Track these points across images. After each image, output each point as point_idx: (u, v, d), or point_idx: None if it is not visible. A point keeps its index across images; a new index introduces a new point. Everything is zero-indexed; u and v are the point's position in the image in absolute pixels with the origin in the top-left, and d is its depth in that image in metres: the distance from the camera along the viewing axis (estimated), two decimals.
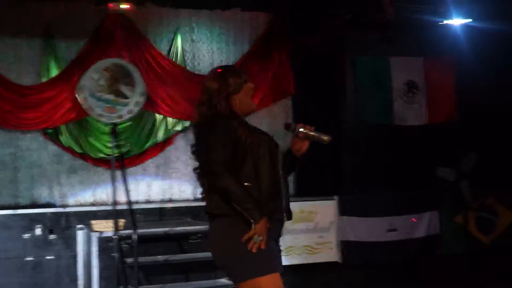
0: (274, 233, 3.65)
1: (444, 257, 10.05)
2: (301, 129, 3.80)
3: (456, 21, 10.19)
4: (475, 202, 10.32)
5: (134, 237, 6.98)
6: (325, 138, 3.83)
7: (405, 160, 10.41)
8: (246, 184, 3.55)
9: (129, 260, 7.04)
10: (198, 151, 3.76)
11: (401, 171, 10.25)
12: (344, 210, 9.31)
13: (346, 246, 9.24)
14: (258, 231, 3.47)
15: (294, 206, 9.04)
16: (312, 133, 3.81)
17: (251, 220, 3.46)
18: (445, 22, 10.25)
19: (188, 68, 9.86)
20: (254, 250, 3.48)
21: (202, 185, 3.77)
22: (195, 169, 3.79)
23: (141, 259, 7.13)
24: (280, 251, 3.80)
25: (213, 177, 3.55)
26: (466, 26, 10.23)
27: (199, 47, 10.03)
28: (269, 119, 10.34)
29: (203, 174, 3.72)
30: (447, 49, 10.74)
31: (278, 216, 3.67)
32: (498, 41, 10.40)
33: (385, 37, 10.51)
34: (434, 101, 10.99)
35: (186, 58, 9.87)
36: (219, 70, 3.89)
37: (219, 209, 3.62)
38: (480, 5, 9.81)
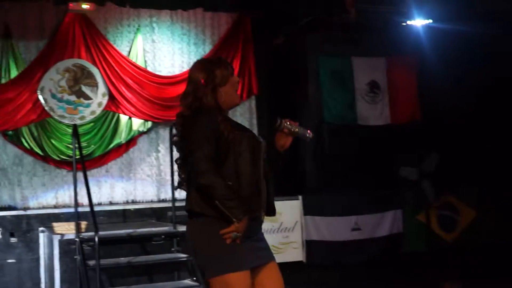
0: (250, 232, 3.57)
1: (407, 255, 10.12)
2: (285, 124, 3.79)
3: (418, 22, 10.29)
4: (437, 201, 10.41)
5: (96, 239, 6.89)
6: (308, 134, 3.84)
7: (368, 159, 10.46)
8: (230, 183, 3.52)
9: (91, 262, 6.95)
10: (181, 144, 3.70)
11: (365, 170, 10.29)
12: (308, 210, 9.32)
13: (310, 246, 9.25)
14: (238, 228, 3.45)
15: None
16: (296, 129, 3.81)
17: (233, 219, 3.44)
18: (407, 22, 10.35)
19: (149, 68, 9.80)
20: (228, 242, 3.46)
21: (180, 176, 3.74)
22: (176, 160, 3.75)
23: (104, 261, 7.03)
24: (262, 247, 3.74)
25: (196, 175, 3.49)
26: (427, 26, 10.34)
27: (160, 48, 9.98)
28: (233, 119, 10.32)
29: (184, 166, 3.69)
30: (410, 50, 10.83)
31: (256, 214, 3.61)
32: (459, 41, 10.49)
33: (348, 37, 10.57)
34: (396, 101, 11.06)
35: (147, 58, 9.81)
36: (205, 61, 3.87)
37: (200, 207, 3.56)
38: (441, 6, 9.93)
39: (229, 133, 3.59)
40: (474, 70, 10.71)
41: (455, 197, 10.54)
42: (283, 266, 9.08)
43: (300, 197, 9.33)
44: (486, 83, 10.67)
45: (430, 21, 10.27)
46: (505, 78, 10.63)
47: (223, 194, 3.44)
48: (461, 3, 9.93)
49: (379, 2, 10.11)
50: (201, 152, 3.47)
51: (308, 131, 3.85)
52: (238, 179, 3.56)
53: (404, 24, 10.42)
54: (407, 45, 10.66)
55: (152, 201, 9.62)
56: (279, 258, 8.82)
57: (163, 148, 9.74)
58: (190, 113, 3.67)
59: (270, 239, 8.82)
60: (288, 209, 9.15)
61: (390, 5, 10.11)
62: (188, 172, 3.63)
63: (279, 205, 9.25)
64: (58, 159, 9.18)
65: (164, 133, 9.70)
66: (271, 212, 3.78)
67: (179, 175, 3.77)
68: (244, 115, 10.40)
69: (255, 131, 10.42)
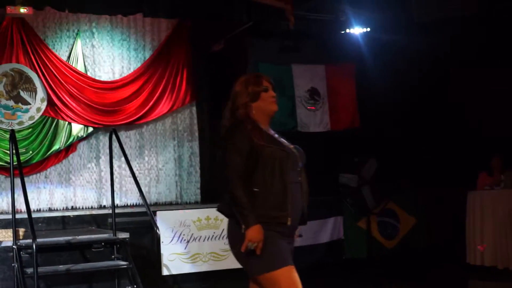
0: (286, 234, 3.92)
1: (349, 262, 10.23)
2: None
3: (357, 30, 10.46)
4: (377, 207, 10.54)
5: (34, 246, 6.76)
6: None
7: (308, 166, 10.51)
8: (255, 189, 3.87)
9: (29, 270, 6.81)
10: (219, 153, 4.08)
11: (307, 177, 10.34)
12: None
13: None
14: (250, 236, 3.78)
15: (200, 213, 9.06)
16: None
17: (243, 225, 3.80)
18: (346, 31, 10.51)
19: (88, 73, 9.69)
20: (243, 251, 3.83)
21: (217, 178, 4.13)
22: (214, 163, 4.09)
23: (42, 269, 6.92)
24: (291, 250, 4.04)
25: (227, 182, 3.86)
26: (366, 35, 10.52)
27: (100, 53, 9.88)
28: (173, 126, 10.30)
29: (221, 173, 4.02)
30: (349, 57, 10.99)
31: (282, 221, 3.90)
32: (397, 50, 10.71)
33: (287, 45, 10.67)
34: (336, 108, 11.18)
35: (86, 63, 9.70)
36: (243, 78, 4.19)
37: (228, 210, 3.97)
38: (378, 15, 10.13)
39: (259, 140, 3.92)
40: (411, 78, 10.95)
41: (395, 204, 10.70)
42: (225, 274, 9.14)
43: None
44: (421, 91, 10.91)
45: (368, 29, 10.47)
46: (440, 86, 10.90)
47: (241, 202, 3.80)
48: (397, 13, 10.14)
49: (318, 10, 10.24)
50: (231, 163, 3.86)
51: None
52: (265, 187, 3.87)
53: (343, 32, 10.58)
54: (346, 53, 10.82)
55: (92, 208, 9.52)
56: (221, 265, 8.94)
57: (104, 154, 9.63)
58: (229, 125, 4.06)
59: (212, 246, 8.89)
60: None
61: (329, 14, 10.24)
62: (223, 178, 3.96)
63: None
64: None
65: (105, 139, 9.60)
66: (303, 221, 4.10)
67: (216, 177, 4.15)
68: (184, 121, 10.39)
69: (196, 136, 10.42)
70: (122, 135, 9.76)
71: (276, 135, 4.15)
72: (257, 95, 4.06)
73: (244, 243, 3.80)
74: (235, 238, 3.97)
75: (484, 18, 9.77)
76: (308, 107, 10.98)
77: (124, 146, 9.24)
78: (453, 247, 10.24)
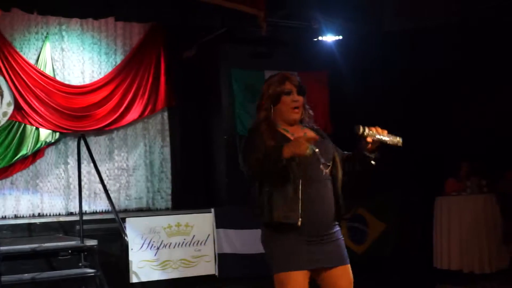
0: (305, 235, 3.78)
1: None
2: (370, 132, 3.86)
3: (329, 38, 10.47)
4: (347, 213, 10.50)
5: None
6: (396, 140, 3.87)
7: None
8: (266, 189, 3.78)
9: None
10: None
11: None
12: (220, 222, 9.25)
13: (222, 259, 9.18)
14: (290, 148, 3.55)
15: (171, 219, 8.97)
16: (383, 138, 3.86)
17: (282, 152, 3.57)
18: (319, 38, 10.51)
19: (57, 77, 9.57)
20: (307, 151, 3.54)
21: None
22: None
23: (6, 278, 6.79)
24: (324, 251, 3.87)
25: (245, 173, 3.85)
26: (338, 42, 10.53)
27: (70, 56, 9.76)
28: (144, 131, 10.19)
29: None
30: (321, 65, 10.98)
31: (291, 221, 3.76)
32: (369, 57, 10.74)
33: (260, 51, 10.63)
34: None
35: (55, 67, 9.57)
36: (269, 79, 4.07)
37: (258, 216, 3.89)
38: (350, 23, 10.16)
39: (269, 140, 3.79)
40: (383, 85, 10.97)
41: (365, 210, 10.70)
42: (195, 280, 9.03)
43: (212, 210, 9.26)
44: (393, 98, 10.93)
45: (341, 37, 10.48)
46: (411, 93, 10.93)
47: (259, 161, 3.67)
48: (370, 21, 10.18)
49: (291, 18, 10.23)
50: (245, 159, 3.82)
51: (396, 137, 3.87)
52: (275, 186, 3.75)
53: (316, 40, 10.57)
54: (319, 60, 10.80)
55: (60, 215, 9.36)
56: (191, 272, 8.86)
57: (72, 160, 9.48)
58: (249, 127, 4.06)
59: (182, 252, 8.81)
60: (200, 222, 9.06)
61: (302, 21, 10.24)
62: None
63: (191, 218, 9.27)
64: None
65: (73, 144, 9.44)
66: (338, 217, 4.02)
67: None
68: (156, 126, 10.29)
69: (167, 142, 10.32)
70: (92, 140, 9.64)
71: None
72: (278, 97, 3.93)
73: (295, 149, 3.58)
74: (262, 237, 3.97)
75: (456, 25, 9.86)
76: None
77: (94, 152, 9.11)
78: (421, 252, 10.29)
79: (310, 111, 4.14)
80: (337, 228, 3.99)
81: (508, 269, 9.04)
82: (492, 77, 10.26)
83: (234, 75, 10.61)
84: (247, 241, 9.39)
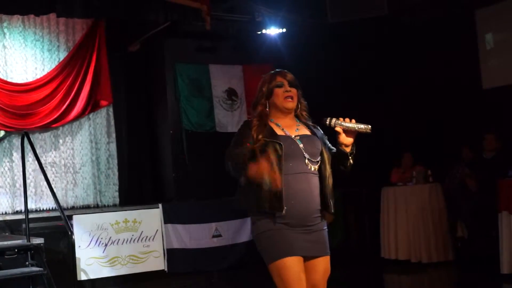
0: (293, 225, 3.90)
1: None
2: (337, 122, 3.99)
3: (273, 31, 10.55)
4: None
5: None
6: (364, 127, 3.98)
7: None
8: (251, 181, 3.87)
9: None
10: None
11: (225, 177, 10.35)
12: (168, 218, 9.28)
13: (171, 254, 9.22)
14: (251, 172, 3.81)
15: (118, 216, 8.96)
16: (350, 125, 3.98)
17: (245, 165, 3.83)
18: (262, 31, 10.59)
19: (0, 75, 9.42)
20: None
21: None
22: None
23: None
24: (311, 240, 3.99)
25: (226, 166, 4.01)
26: (282, 35, 10.62)
27: (12, 54, 9.63)
28: (90, 128, 10.13)
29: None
30: (266, 57, 11.04)
31: (276, 209, 3.88)
32: (313, 50, 10.85)
33: (204, 45, 10.66)
34: None
35: None
36: (263, 76, 4.23)
37: (245, 204, 4.01)
38: (294, 16, 10.26)
39: (257, 135, 3.95)
40: (327, 78, 11.10)
41: None
42: (144, 276, 9.05)
43: (160, 205, 9.28)
44: (336, 90, 11.06)
45: (284, 30, 10.57)
46: (355, 86, 11.10)
47: (233, 157, 3.93)
48: (313, 14, 10.29)
49: (234, 11, 10.28)
50: (229, 150, 3.98)
51: (363, 124, 4.00)
52: (263, 178, 3.82)
53: (259, 33, 10.65)
54: (263, 53, 10.86)
55: (5, 213, 9.22)
56: (140, 268, 8.88)
57: (17, 158, 9.37)
58: (248, 120, 4.22)
59: (131, 248, 8.82)
60: (148, 218, 9.07)
61: (245, 15, 10.31)
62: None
63: (138, 213, 9.27)
64: None
65: (18, 142, 9.33)
66: (327, 208, 4.08)
67: None
68: (101, 123, 10.24)
69: (113, 138, 10.28)
70: (37, 137, 9.55)
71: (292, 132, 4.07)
72: (271, 91, 4.11)
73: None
74: (253, 228, 4.04)
75: (393, 19, 10.05)
76: (226, 108, 11.00)
77: (39, 149, 9.04)
78: (369, 242, 10.45)
79: (305, 103, 4.31)
80: (321, 220, 4.08)
81: (455, 258, 9.12)
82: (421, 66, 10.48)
83: (179, 69, 10.63)
84: (196, 236, 9.46)
